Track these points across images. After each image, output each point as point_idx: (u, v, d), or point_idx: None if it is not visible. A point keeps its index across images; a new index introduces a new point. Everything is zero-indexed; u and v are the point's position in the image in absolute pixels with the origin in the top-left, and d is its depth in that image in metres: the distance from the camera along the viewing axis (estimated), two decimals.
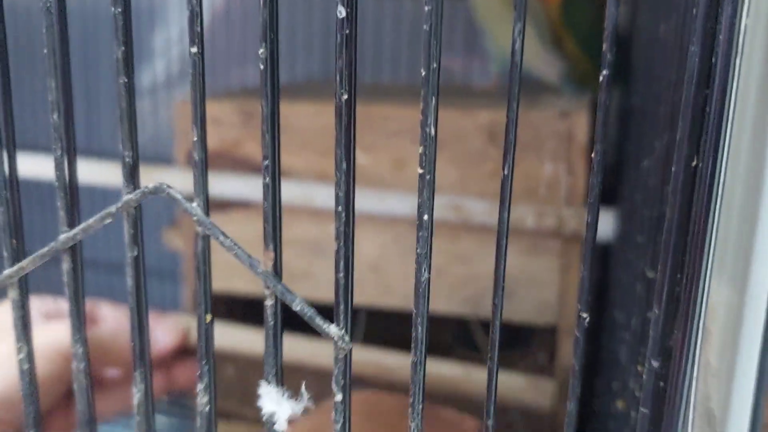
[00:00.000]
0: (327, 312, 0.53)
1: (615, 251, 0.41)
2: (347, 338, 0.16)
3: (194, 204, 0.16)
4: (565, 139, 0.43)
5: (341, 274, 0.16)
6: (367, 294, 0.48)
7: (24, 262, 0.18)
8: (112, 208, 0.17)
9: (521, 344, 0.47)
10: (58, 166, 0.17)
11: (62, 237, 0.17)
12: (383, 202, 0.46)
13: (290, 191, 0.47)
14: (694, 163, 0.15)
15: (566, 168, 0.43)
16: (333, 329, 0.16)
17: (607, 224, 0.43)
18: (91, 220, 0.17)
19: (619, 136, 0.47)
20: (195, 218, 0.16)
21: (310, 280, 0.48)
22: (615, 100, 0.54)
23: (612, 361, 0.31)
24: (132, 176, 0.17)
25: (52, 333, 0.36)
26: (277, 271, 0.16)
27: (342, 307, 0.16)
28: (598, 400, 0.35)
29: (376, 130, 0.46)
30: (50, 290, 0.39)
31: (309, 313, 0.16)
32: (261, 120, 0.15)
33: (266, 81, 0.15)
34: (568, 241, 0.43)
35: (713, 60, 0.13)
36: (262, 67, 0.15)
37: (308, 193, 0.47)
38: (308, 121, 0.48)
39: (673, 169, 0.15)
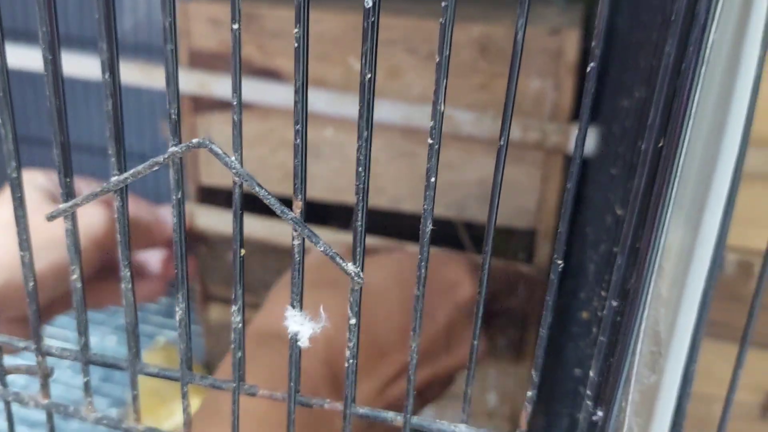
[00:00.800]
0: (320, 208, 0.57)
1: (592, 166, 0.44)
2: (361, 275, 0.19)
3: (233, 158, 0.19)
4: (555, 56, 0.45)
5: (359, 223, 0.19)
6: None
7: (78, 199, 0.21)
8: (160, 158, 0.19)
9: (502, 246, 0.51)
10: (110, 119, 0.19)
11: (114, 179, 0.20)
12: (376, 109, 0.48)
13: (287, 96, 0.49)
14: (660, 144, 0.17)
15: (553, 84, 0.45)
16: (350, 267, 0.19)
17: (587, 140, 0.45)
18: (140, 167, 0.20)
19: (604, 52, 0.49)
20: (234, 171, 0.19)
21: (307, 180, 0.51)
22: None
23: (580, 273, 0.35)
24: (176, 130, 0.19)
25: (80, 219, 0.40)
26: (303, 217, 0.19)
27: (358, 249, 0.19)
28: (563, 305, 0.39)
29: None
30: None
31: (330, 252, 0.19)
32: (294, 90, 0.18)
33: (299, 58, 0.17)
34: (550, 153, 0.46)
35: (684, 65, 0.16)
36: (296, 45, 0.17)
37: None
38: None
39: (642, 147, 0.18)
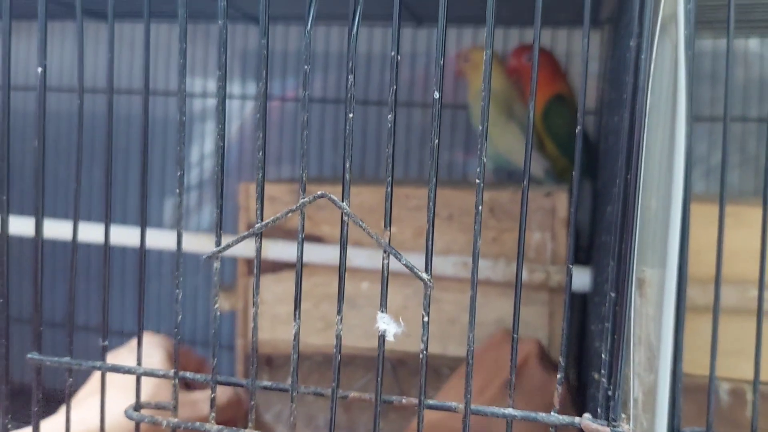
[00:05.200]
0: (354, 360, 0.65)
1: (590, 299, 0.53)
2: (432, 281, 0.27)
3: (344, 203, 0.28)
4: (550, 213, 0.55)
5: (430, 227, 0.27)
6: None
7: (229, 242, 0.29)
8: (293, 207, 0.28)
9: None
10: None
11: (257, 225, 0.29)
12: None
13: (331, 255, 0.59)
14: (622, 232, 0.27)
15: (551, 235, 0.55)
16: (424, 275, 0.27)
17: (584, 278, 0.54)
18: (278, 215, 0.29)
19: (593, 212, 0.60)
20: (345, 212, 0.28)
21: (345, 328, 0.59)
22: (588, 186, 0.68)
23: (589, 363, 0.42)
24: (303, 188, 0.28)
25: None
26: (390, 242, 0.28)
27: (428, 265, 0.27)
28: (583, 374, 0.46)
29: (401, 205, 0.59)
30: None
31: (410, 265, 0.27)
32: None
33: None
34: (554, 291, 0.55)
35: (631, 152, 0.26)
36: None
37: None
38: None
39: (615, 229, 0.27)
